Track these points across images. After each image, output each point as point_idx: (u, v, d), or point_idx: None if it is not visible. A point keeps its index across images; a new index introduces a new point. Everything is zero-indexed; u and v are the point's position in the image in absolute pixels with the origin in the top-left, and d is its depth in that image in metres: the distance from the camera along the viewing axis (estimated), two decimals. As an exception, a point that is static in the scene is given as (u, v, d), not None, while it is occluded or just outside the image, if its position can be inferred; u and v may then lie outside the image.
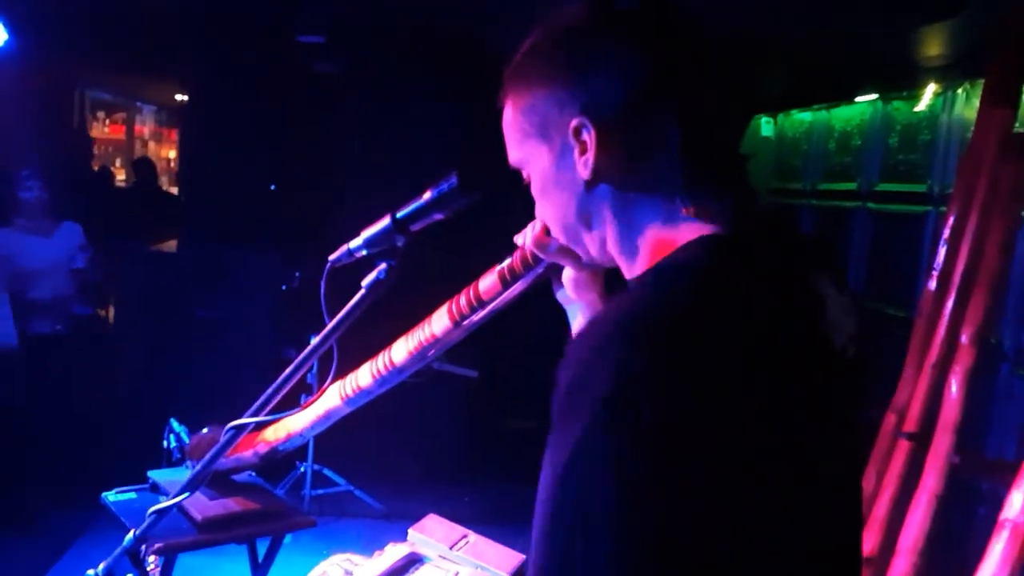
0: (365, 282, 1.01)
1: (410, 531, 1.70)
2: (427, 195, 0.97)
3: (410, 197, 1.01)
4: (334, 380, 1.13)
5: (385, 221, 0.99)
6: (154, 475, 2.53)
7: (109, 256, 4.18)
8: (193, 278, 4.39)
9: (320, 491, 4.29)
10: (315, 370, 4.04)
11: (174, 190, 7.99)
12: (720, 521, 0.65)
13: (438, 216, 0.99)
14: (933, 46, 3.75)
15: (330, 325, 1.03)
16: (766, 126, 5.67)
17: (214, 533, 2.28)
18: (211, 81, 4.80)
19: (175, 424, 2.42)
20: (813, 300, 0.77)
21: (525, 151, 0.85)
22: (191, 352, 4.23)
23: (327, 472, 4.34)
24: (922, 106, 4.17)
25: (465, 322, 1.20)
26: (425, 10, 4.27)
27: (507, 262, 1.10)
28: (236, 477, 2.44)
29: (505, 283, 1.12)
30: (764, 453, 0.68)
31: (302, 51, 4.66)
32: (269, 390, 1.11)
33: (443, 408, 4.74)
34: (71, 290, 4.06)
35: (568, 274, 1.07)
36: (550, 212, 0.86)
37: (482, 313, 1.19)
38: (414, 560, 1.61)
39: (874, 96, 4.55)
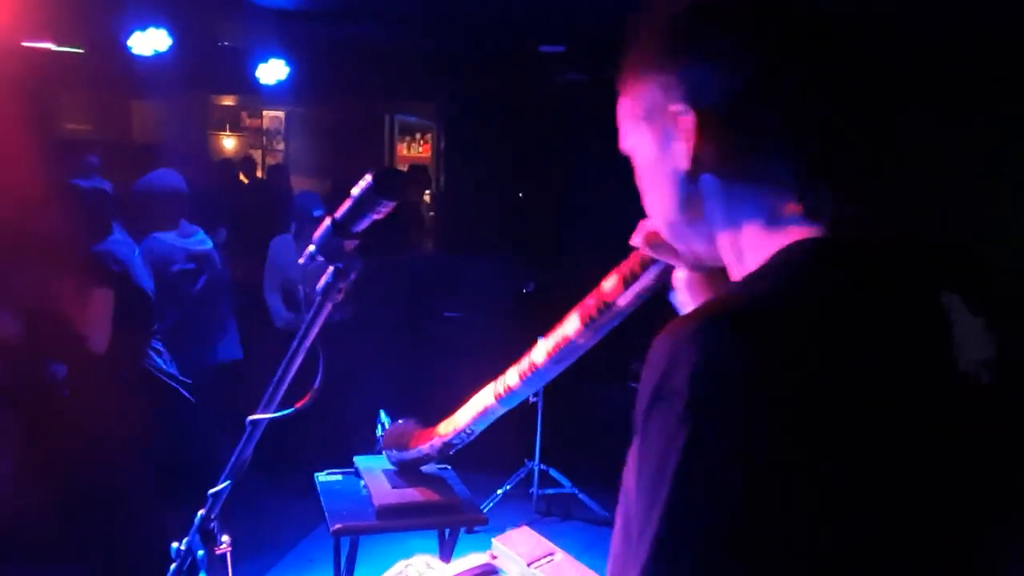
0: (319, 287, 1.03)
1: (494, 541, 1.67)
2: (351, 196, 0.97)
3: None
4: (321, 384, 1.16)
5: (327, 223, 1.00)
6: (358, 460, 2.78)
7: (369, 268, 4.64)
8: (439, 281, 4.74)
9: (548, 491, 4.38)
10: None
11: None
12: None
13: (374, 216, 0.98)
14: None
15: (300, 332, 1.07)
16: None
17: (388, 520, 2.43)
18: (461, 96, 5.14)
19: (383, 416, 2.65)
20: (934, 320, 0.70)
21: (633, 138, 0.84)
22: (433, 351, 4.57)
23: (553, 472, 4.41)
24: None
25: (594, 324, 1.21)
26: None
27: (626, 263, 1.10)
28: (427, 470, 2.58)
29: (627, 284, 1.10)
30: (847, 472, 0.63)
31: (545, 62, 4.81)
32: (269, 389, 1.17)
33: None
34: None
35: (679, 276, 1.00)
36: (654, 205, 0.84)
37: (610, 315, 1.18)
38: (488, 572, 1.58)
39: None
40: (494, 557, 1.66)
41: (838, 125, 0.75)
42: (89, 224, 3.08)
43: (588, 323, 1.21)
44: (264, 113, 9.53)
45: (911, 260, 0.74)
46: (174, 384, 3.36)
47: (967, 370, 0.70)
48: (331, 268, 1.02)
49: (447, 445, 2.07)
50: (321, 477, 2.79)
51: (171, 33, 3.81)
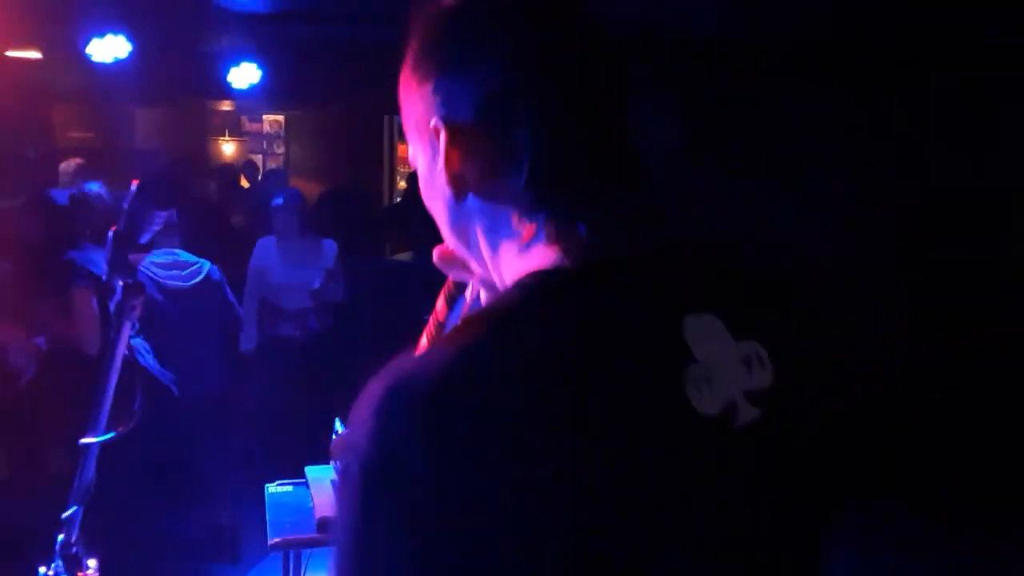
0: (112, 305, 0.95)
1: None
2: (123, 207, 0.89)
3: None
4: (141, 407, 1.08)
5: (110, 236, 0.92)
6: (308, 471, 2.70)
7: (350, 271, 4.56)
8: (423, 286, 4.64)
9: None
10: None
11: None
12: None
13: (154, 227, 0.90)
14: None
15: (108, 354, 0.99)
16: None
17: (328, 533, 2.36)
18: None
19: (338, 425, 2.57)
20: (667, 353, 0.64)
21: (413, 150, 0.78)
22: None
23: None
24: None
25: None
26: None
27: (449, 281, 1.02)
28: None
29: (451, 303, 1.01)
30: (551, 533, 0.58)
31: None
32: (92, 411, 1.10)
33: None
34: (311, 304, 4.45)
35: (482, 294, 0.91)
36: (438, 222, 0.79)
37: None
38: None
39: None
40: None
41: (588, 141, 0.70)
42: (57, 233, 3.09)
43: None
44: (264, 117, 9.53)
45: (658, 283, 0.67)
46: (162, 380, 3.37)
47: (713, 406, 0.62)
48: (120, 283, 0.94)
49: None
50: (271, 488, 2.71)
51: (130, 39, 3.78)
